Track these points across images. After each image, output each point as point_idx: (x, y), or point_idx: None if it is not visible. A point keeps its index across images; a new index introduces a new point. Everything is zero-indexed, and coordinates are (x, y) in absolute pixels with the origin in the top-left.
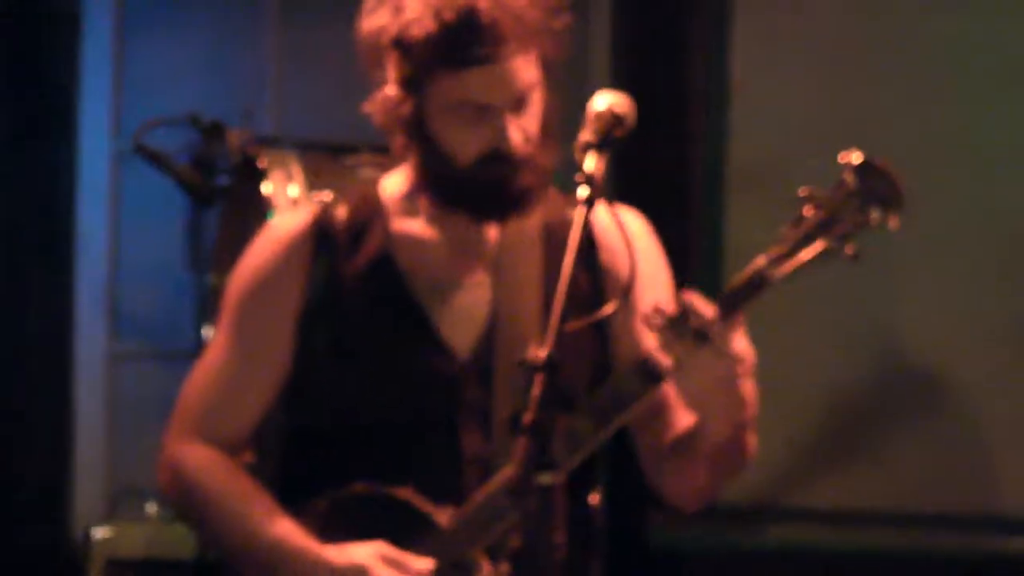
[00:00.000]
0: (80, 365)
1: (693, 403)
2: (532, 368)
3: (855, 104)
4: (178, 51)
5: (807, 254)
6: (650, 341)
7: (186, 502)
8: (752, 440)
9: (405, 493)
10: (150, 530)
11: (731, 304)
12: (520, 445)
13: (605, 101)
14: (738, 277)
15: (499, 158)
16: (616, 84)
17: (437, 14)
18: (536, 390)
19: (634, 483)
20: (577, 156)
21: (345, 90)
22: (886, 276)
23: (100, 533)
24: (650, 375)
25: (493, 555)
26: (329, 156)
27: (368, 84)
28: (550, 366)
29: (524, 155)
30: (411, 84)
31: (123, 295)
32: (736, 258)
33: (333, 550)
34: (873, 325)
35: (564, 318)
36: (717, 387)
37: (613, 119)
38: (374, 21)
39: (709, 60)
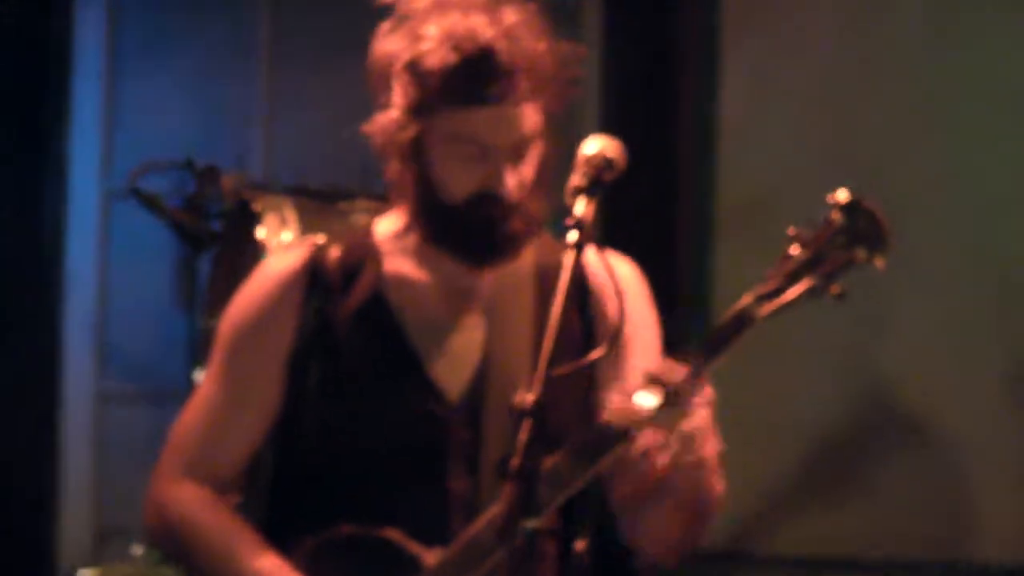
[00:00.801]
0: (67, 405)
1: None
2: (520, 413)
3: (844, 144)
4: (169, 92)
5: (793, 293)
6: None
7: (172, 540)
8: (718, 485)
9: (393, 534)
10: (136, 571)
11: (717, 343)
12: (507, 489)
13: (595, 145)
14: (724, 316)
15: (490, 200)
16: (606, 126)
17: (456, 47)
18: (524, 435)
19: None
20: (567, 200)
21: (334, 132)
22: (874, 317)
23: (86, 574)
24: (613, 440)
25: None
26: (323, 201)
27: (357, 123)
28: (538, 411)
29: (515, 201)
30: (417, 111)
31: (111, 335)
32: (724, 298)
33: None
34: (859, 368)
35: (552, 363)
36: (682, 444)
37: (603, 163)
38: (389, 44)
39: (698, 102)
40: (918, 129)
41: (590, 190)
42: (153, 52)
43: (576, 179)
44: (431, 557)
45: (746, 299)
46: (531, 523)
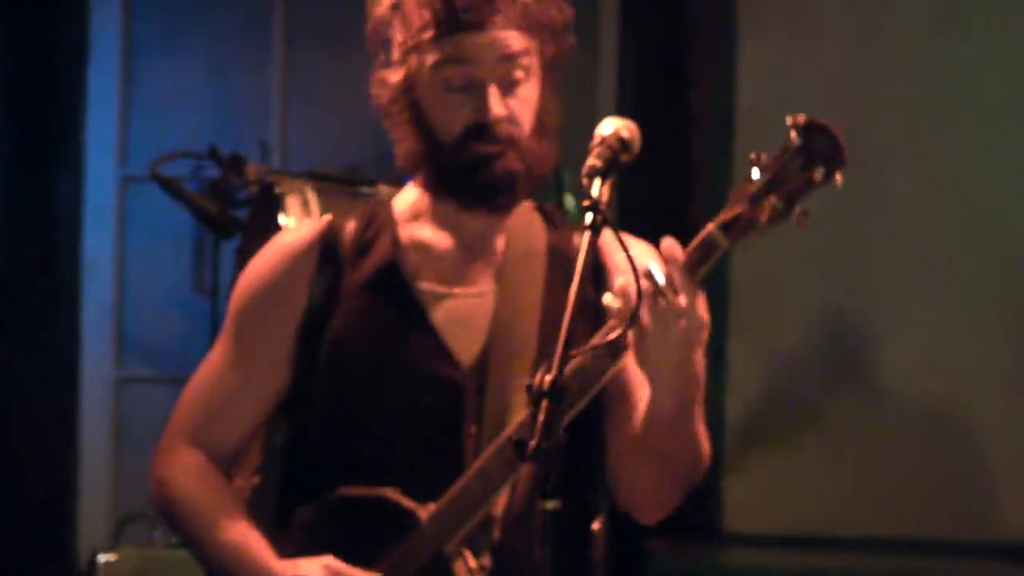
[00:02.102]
0: (86, 390)
1: (647, 363)
2: (539, 393)
3: (859, 130)
4: (184, 80)
5: (755, 215)
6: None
7: (169, 507)
8: (703, 436)
9: (389, 492)
10: (156, 556)
11: (686, 271)
12: (526, 471)
13: (612, 126)
14: (690, 244)
15: (481, 133)
16: (623, 112)
17: None
18: (542, 415)
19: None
20: (584, 182)
21: (350, 119)
22: (880, 299)
23: (106, 559)
24: (611, 350)
25: (474, 548)
26: (345, 187)
27: (372, 113)
28: (557, 392)
29: (509, 135)
30: (405, 52)
31: (129, 320)
32: (739, 286)
33: (282, 564)
34: (866, 349)
35: (569, 343)
36: (674, 347)
37: (619, 144)
38: (378, 8)
39: (714, 88)
40: (932, 120)
41: (606, 171)
42: (169, 40)
43: (592, 160)
44: (424, 512)
45: (709, 226)
46: (550, 504)
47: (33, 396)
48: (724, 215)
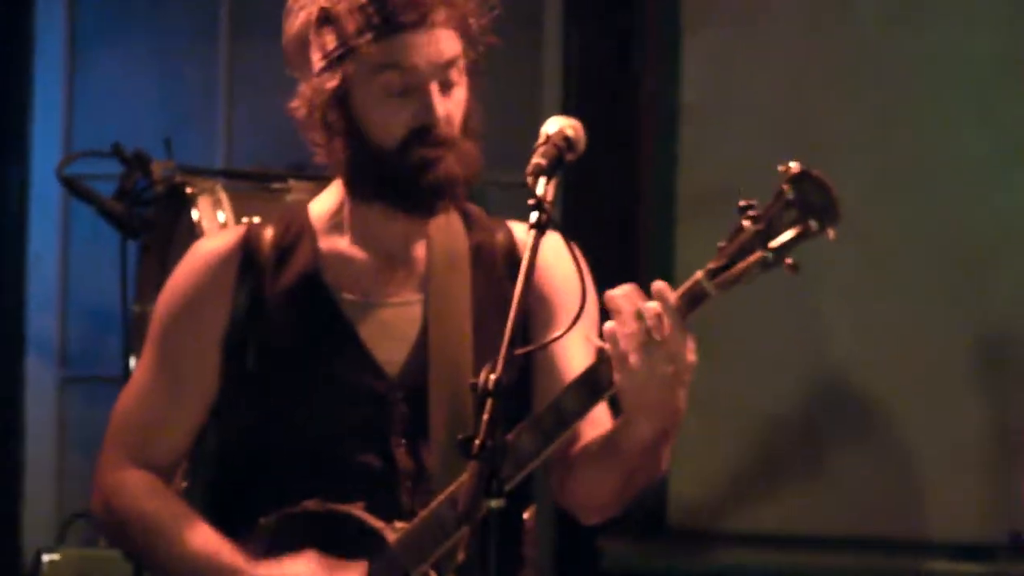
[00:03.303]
0: (30, 390)
1: (631, 402)
2: (484, 392)
3: (806, 129)
4: (129, 72)
5: (744, 266)
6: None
7: (119, 527)
8: (667, 453)
9: (355, 510)
10: (100, 555)
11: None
12: (471, 469)
13: (557, 124)
14: (678, 290)
15: (425, 136)
16: (567, 110)
17: None
18: (487, 414)
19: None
20: (528, 180)
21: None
22: (829, 297)
23: (50, 558)
24: (593, 390)
25: (440, 570)
26: (256, 183)
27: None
28: (501, 391)
29: (449, 137)
30: (337, 58)
31: (73, 319)
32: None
33: (266, 566)
34: (813, 348)
35: (513, 343)
36: (659, 388)
37: (564, 143)
38: (298, 15)
39: (660, 83)
40: (880, 114)
41: (551, 170)
42: (114, 36)
43: (537, 159)
44: (391, 533)
45: (698, 274)
46: (495, 502)
47: None
48: (713, 263)
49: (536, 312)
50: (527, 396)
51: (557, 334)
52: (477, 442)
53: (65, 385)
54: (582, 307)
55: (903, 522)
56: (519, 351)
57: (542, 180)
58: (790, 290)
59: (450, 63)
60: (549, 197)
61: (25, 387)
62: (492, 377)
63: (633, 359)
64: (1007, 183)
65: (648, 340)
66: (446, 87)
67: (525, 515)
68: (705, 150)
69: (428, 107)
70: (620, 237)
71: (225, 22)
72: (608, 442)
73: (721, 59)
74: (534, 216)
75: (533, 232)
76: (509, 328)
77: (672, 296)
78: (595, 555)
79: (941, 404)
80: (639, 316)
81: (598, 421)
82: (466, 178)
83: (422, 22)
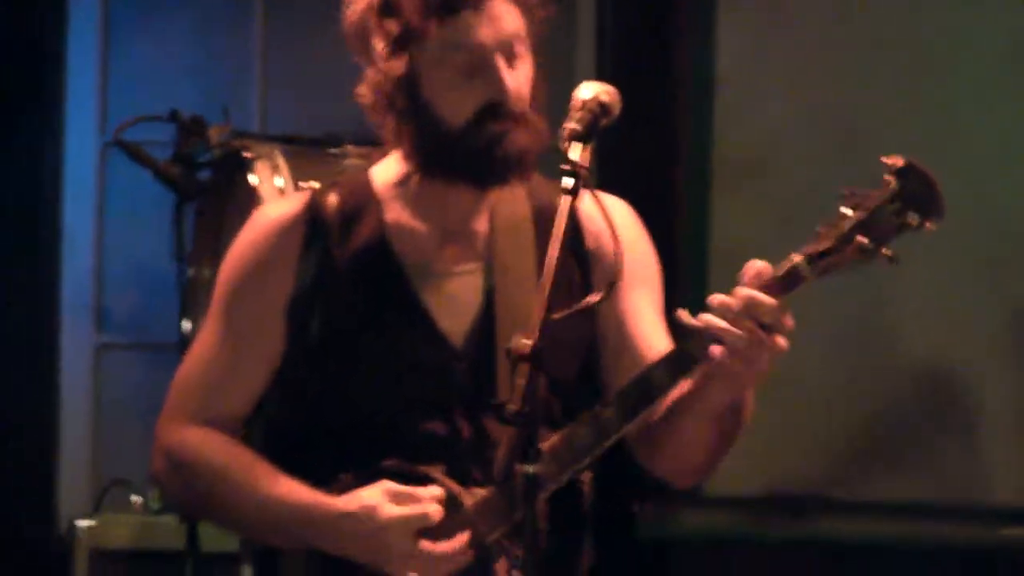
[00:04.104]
0: (66, 358)
1: (727, 377)
2: (518, 358)
3: (841, 98)
4: (163, 47)
5: (844, 254)
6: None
7: (187, 484)
8: (751, 404)
9: (434, 471)
10: (135, 522)
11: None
12: (508, 434)
13: (591, 90)
14: (774, 272)
15: (496, 112)
16: (601, 78)
17: None
18: (521, 380)
19: (619, 473)
20: (562, 145)
21: (330, 84)
22: (874, 281)
23: (86, 524)
24: (682, 365)
25: (512, 539)
26: (312, 148)
27: (353, 76)
28: (536, 356)
29: (519, 111)
30: (401, 43)
31: (108, 289)
32: (721, 251)
33: (343, 497)
34: (863, 331)
35: (550, 308)
36: (755, 367)
37: (599, 108)
38: (358, 2)
39: (694, 53)
40: (915, 85)
41: (585, 135)
42: (148, 13)
43: (571, 124)
44: (469, 498)
45: (796, 258)
46: (531, 468)
47: (13, 363)
48: (811, 248)
49: (599, 277)
50: (594, 376)
51: (593, 299)
52: (513, 408)
53: (101, 352)
54: (616, 271)
55: (966, 489)
56: (555, 316)
57: (577, 145)
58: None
59: (514, 37)
60: (584, 163)
61: (61, 354)
62: (527, 342)
63: (738, 340)
64: None
65: (752, 327)
66: (512, 61)
67: (583, 480)
68: (739, 118)
69: (497, 82)
70: (655, 205)
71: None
72: (692, 408)
73: (755, 27)
74: (569, 181)
75: (568, 197)
76: (543, 293)
77: (773, 292)
78: (630, 523)
79: (993, 373)
80: (748, 307)
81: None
82: (536, 151)
83: (482, 0)
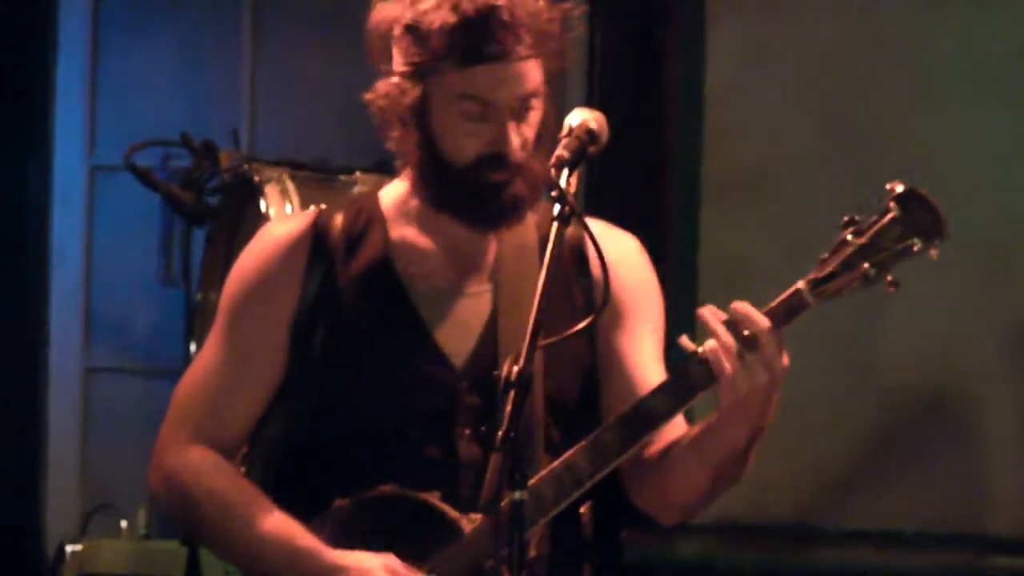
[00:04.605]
0: (54, 380)
1: (729, 408)
2: (506, 384)
3: (832, 113)
4: (152, 67)
5: (847, 280)
6: (659, 368)
7: (183, 506)
8: (755, 454)
9: (432, 498)
10: (123, 547)
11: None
12: (494, 460)
13: (580, 117)
14: (777, 299)
15: (496, 162)
16: (592, 95)
17: (456, 6)
18: (509, 406)
19: (610, 499)
20: (552, 172)
21: (319, 102)
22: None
23: (73, 549)
24: (684, 392)
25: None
26: (322, 174)
27: (341, 95)
28: (523, 382)
29: (521, 162)
30: (419, 73)
31: (97, 309)
32: (712, 267)
33: (337, 552)
34: (862, 344)
35: (536, 334)
36: (756, 394)
37: (587, 136)
38: (388, 10)
39: (684, 70)
40: (907, 97)
41: (574, 163)
42: (137, 27)
43: (560, 151)
44: (468, 524)
45: (800, 284)
46: (519, 494)
47: (0, 385)
48: (815, 274)
49: (609, 305)
50: (594, 403)
51: (578, 327)
52: (500, 434)
53: (89, 375)
54: (604, 299)
55: (966, 517)
56: (542, 343)
57: (565, 172)
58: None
59: (531, 96)
60: (571, 189)
61: (49, 377)
62: (515, 369)
63: (732, 369)
64: None
65: (746, 352)
66: (523, 115)
67: (581, 509)
68: (730, 135)
69: (503, 137)
70: (646, 222)
71: (248, 16)
72: (698, 443)
73: (745, 44)
74: (557, 208)
75: (556, 224)
76: (532, 320)
77: (763, 318)
78: (620, 548)
79: (992, 383)
80: (737, 331)
81: (676, 422)
82: (532, 198)
83: (507, 56)
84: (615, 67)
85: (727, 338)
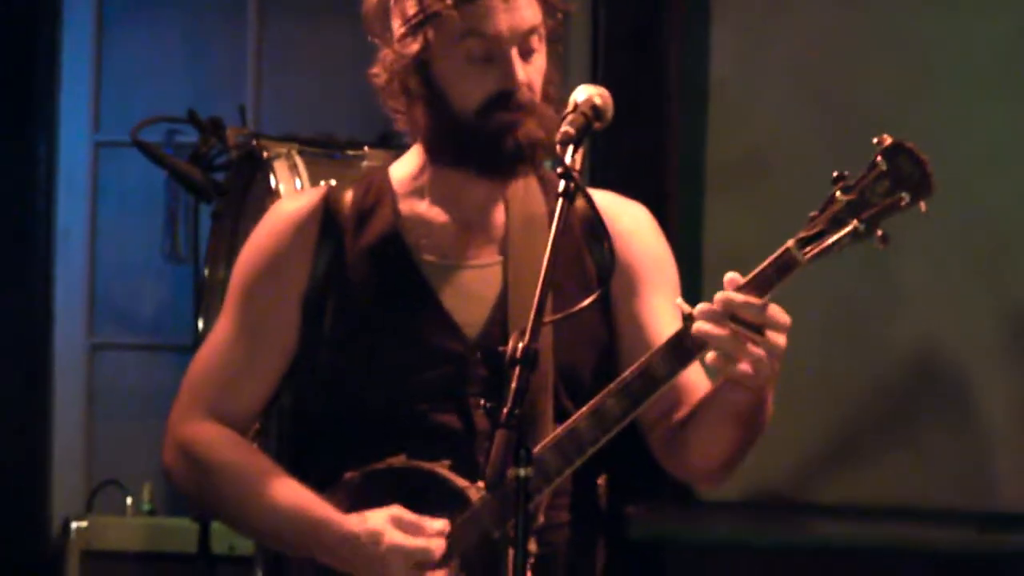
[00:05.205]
0: (59, 356)
1: (727, 377)
2: (512, 360)
3: (834, 101)
4: (157, 45)
5: (836, 236)
6: (675, 323)
7: (197, 480)
8: (769, 408)
9: (440, 468)
10: (128, 523)
11: (759, 286)
12: (498, 436)
13: (585, 93)
14: (768, 259)
15: (505, 101)
16: (595, 81)
17: None
18: (514, 382)
19: (617, 474)
20: (557, 149)
21: (324, 83)
22: (862, 271)
23: (78, 525)
24: (682, 355)
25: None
26: (331, 150)
27: (346, 75)
28: (528, 358)
29: (529, 102)
30: (419, 24)
31: (101, 286)
32: (715, 254)
33: (352, 518)
34: (864, 327)
35: (541, 310)
36: (753, 363)
37: (592, 112)
38: None
39: (688, 57)
40: (907, 87)
41: (579, 139)
42: (141, 11)
43: (565, 127)
44: (475, 493)
45: (789, 243)
46: (523, 471)
47: (5, 362)
48: (805, 232)
49: (616, 280)
50: (610, 373)
51: (585, 302)
52: (505, 410)
53: (94, 352)
54: (609, 271)
55: (969, 492)
56: (547, 320)
57: (570, 149)
58: (824, 265)
59: (531, 31)
60: (577, 166)
61: (54, 354)
62: (520, 345)
63: (720, 336)
64: None
65: (735, 328)
66: (527, 54)
67: (599, 481)
68: (733, 122)
69: (509, 73)
70: (649, 208)
71: None
72: (712, 407)
73: (748, 31)
74: (562, 185)
75: (561, 200)
76: (538, 295)
77: (751, 294)
78: (623, 523)
79: (991, 369)
80: (728, 309)
81: (698, 385)
82: (546, 142)
83: None
84: (618, 54)
85: (709, 306)
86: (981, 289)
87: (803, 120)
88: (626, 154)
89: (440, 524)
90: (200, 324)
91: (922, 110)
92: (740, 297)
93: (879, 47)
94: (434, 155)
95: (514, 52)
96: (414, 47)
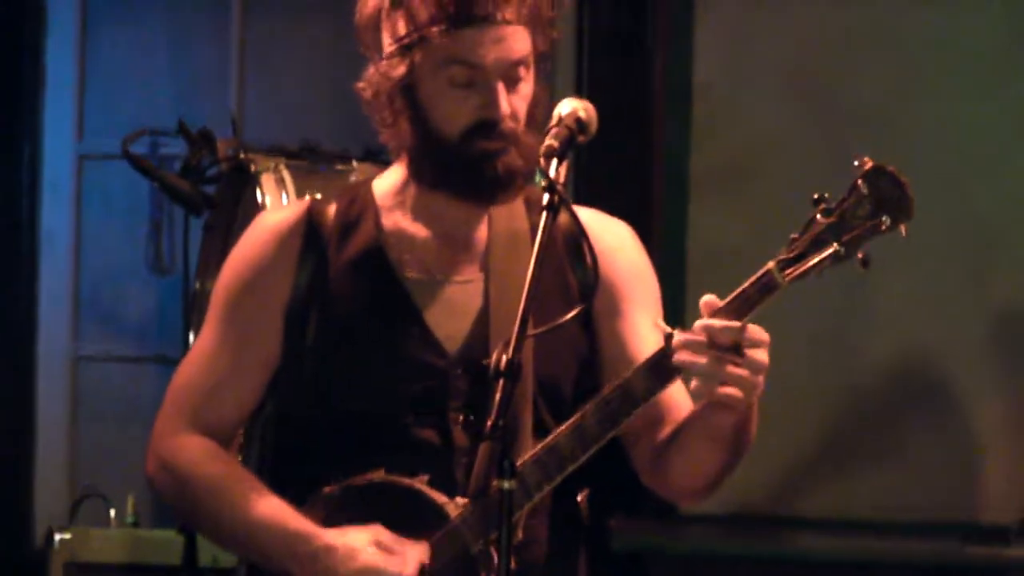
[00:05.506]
0: (42, 367)
1: (708, 399)
2: (495, 373)
3: (819, 105)
4: (141, 54)
5: (817, 258)
6: (654, 344)
7: (178, 491)
8: (753, 427)
9: (419, 484)
10: (111, 535)
11: (739, 308)
12: (482, 449)
13: (569, 106)
14: (748, 280)
15: (487, 130)
16: (580, 89)
17: None
18: (498, 395)
19: (600, 487)
20: (541, 162)
21: (307, 90)
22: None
23: (62, 537)
24: (662, 374)
25: (499, 548)
26: (318, 163)
27: (329, 83)
28: (511, 371)
29: (512, 132)
30: (407, 46)
31: (86, 297)
32: (699, 260)
33: (330, 531)
34: (847, 335)
35: (524, 324)
36: (734, 384)
37: (576, 125)
38: None
39: (672, 61)
40: (893, 88)
41: (563, 152)
42: (125, 14)
43: (549, 140)
44: (454, 508)
45: (769, 265)
46: (508, 483)
47: None
48: (785, 254)
49: (599, 296)
50: (590, 389)
51: (567, 316)
52: (489, 422)
53: (77, 363)
54: (592, 287)
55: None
56: (530, 333)
57: (554, 162)
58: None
59: (519, 62)
60: (561, 179)
61: (37, 365)
62: (505, 357)
63: (702, 364)
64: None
65: (713, 348)
66: (512, 82)
67: (579, 498)
68: (717, 127)
69: (493, 103)
70: (633, 214)
71: (237, 4)
72: (695, 429)
73: (733, 36)
74: (546, 198)
75: (546, 214)
76: (522, 308)
77: (728, 319)
78: (606, 535)
79: (977, 376)
80: (710, 335)
81: (680, 403)
82: (526, 170)
83: (494, 18)
84: (603, 60)
85: (693, 332)
86: (967, 299)
87: (788, 124)
88: (611, 159)
89: (420, 549)
90: (191, 337)
91: (908, 112)
92: (719, 323)
93: (863, 49)
94: (417, 175)
95: (499, 83)
96: (400, 69)
